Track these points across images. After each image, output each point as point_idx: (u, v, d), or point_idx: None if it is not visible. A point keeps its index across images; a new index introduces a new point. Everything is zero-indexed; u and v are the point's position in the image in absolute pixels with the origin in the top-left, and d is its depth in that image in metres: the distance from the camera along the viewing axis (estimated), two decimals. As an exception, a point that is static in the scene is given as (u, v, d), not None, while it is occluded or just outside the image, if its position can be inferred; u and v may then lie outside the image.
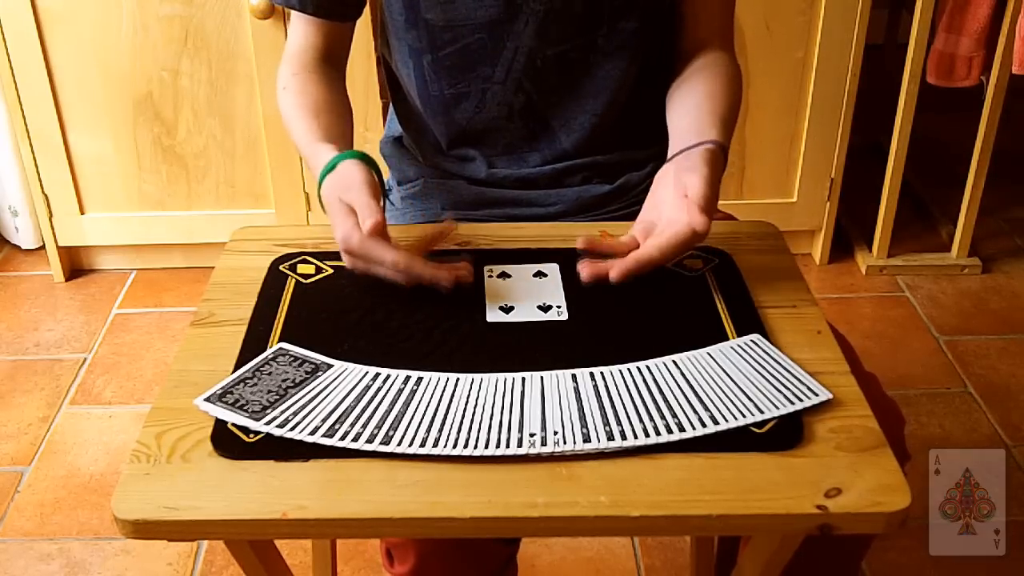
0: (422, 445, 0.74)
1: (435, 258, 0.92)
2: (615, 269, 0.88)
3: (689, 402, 0.79)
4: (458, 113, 1.12)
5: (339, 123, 1.07)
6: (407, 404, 0.78)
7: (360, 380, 0.81)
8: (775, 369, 0.82)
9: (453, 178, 1.17)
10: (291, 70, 1.11)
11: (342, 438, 0.75)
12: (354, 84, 1.98)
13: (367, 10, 1.17)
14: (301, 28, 1.12)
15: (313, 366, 0.83)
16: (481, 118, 1.12)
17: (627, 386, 0.80)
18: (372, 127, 2.02)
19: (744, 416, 0.77)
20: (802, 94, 2.07)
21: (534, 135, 1.14)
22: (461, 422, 0.76)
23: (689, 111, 1.05)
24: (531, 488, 0.72)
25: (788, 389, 0.80)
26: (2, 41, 1.97)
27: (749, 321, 0.89)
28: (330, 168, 0.94)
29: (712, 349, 0.85)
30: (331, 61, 1.13)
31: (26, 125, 2.06)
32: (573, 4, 1.06)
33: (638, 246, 0.90)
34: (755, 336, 0.87)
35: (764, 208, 2.16)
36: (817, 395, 0.80)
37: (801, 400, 0.79)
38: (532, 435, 0.75)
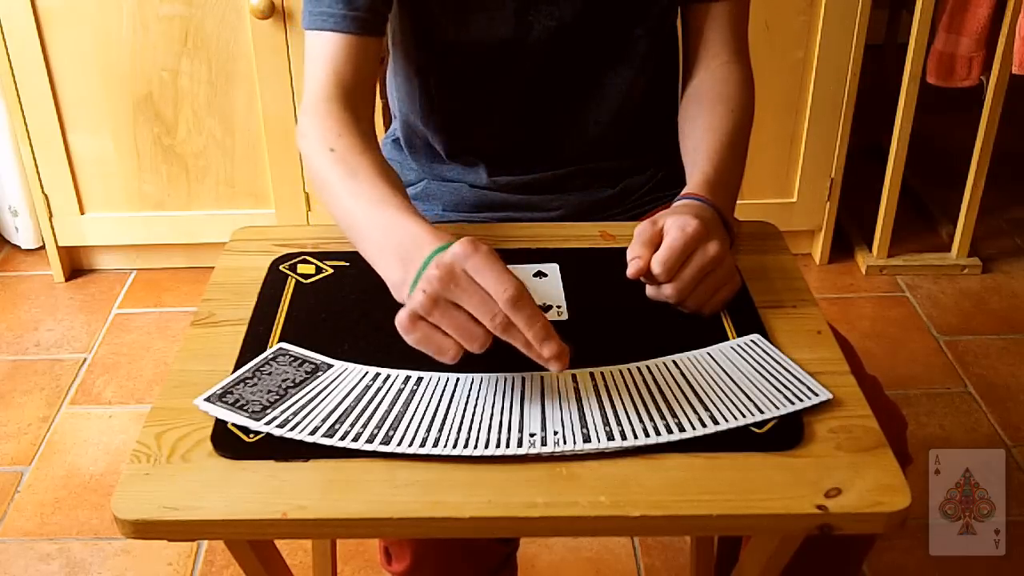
0: (422, 445, 0.74)
1: None
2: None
3: (689, 402, 0.79)
4: (462, 127, 1.12)
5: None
6: (407, 404, 0.78)
7: (360, 380, 0.81)
8: (775, 369, 0.82)
9: (455, 182, 1.17)
10: (333, 127, 0.95)
11: (342, 438, 0.75)
12: (354, 84, 1.98)
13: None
14: (333, 55, 0.99)
15: (313, 366, 0.83)
16: (485, 131, 1.12)
17: (627, 386, 0.80)
18: (372, 127, 2.02)
19: (744, 416, 0.77)
20: (802, 94, 2.07)
21: (537, 144, 1.14)
22: (461, 422, 0.76)
23: (689, 162, 1.03)
24: (531, 488, 0.72)
25: (788, 389, 0.80)
26: (2, 41, 1.97)
27: (749, 321, 0.89)
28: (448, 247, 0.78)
29: (712, 349, 0.85)
30: (365, 114, 1.01)
31: (26, 125, 2.06)
32: (584, 18, 1.06)
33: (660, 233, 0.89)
34: (755, 336, 0.87)
35: (764, 208, 2.16)
36: (817, 395, 0.80)
37: (801, 400, 0.79)
38: (532, 435, 0.75)
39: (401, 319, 0.76)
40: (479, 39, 1.05)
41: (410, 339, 0.77)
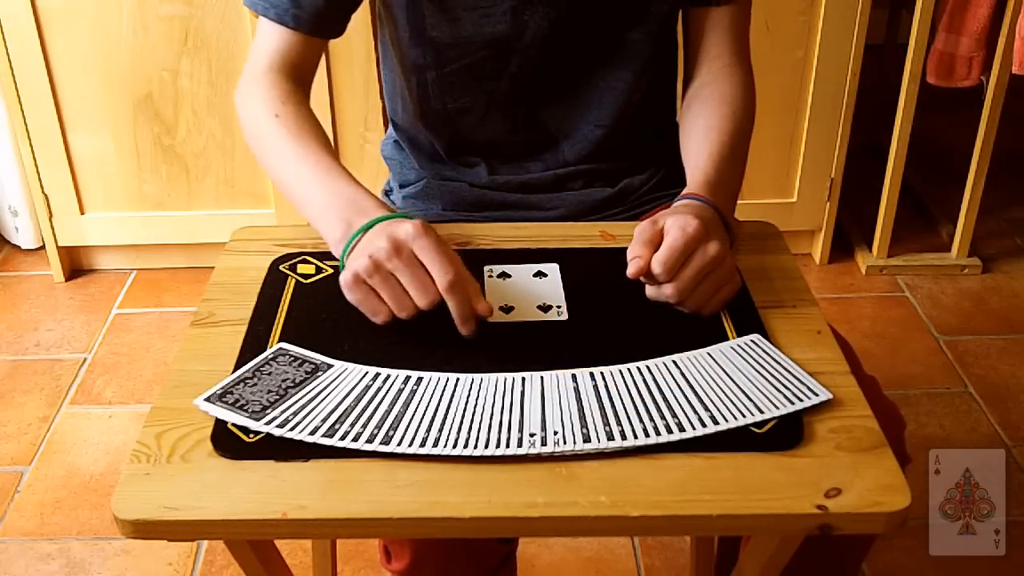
0: (422, 445, 0.74)
1: None
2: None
3: (689, 402, 0.79)
4: (461, 126, 1.12)
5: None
6: (407, 404, 0.78)
7: (360, 380, 0.81)
8: (775, 369, 0.82)
9: (454, 182, 1.17)
10: (277, 95, 1.01)
11: (342, 438, 0.75)
12: (354, 84, 1.98)
13: (367, 13, 1.17)
14: (278, 40, 1.04)
15: (313, 366, 0.83)
16: (484, 130, 1.12)
17: (627, 386, 0.80)
18: (372, 127, 2.02)
19: (744, 416, 0.77)
20: (802, 94, 2.07)
21: (537, 146, 1.14)
22: (461, 422, 0.76)
23: (690, 163, 1.04)
24: (531, 488, 0.72)
25: (788, 389, 0.80)
26: (2, 41, 1.97)
27: (749, 321, 0.89)
28: (388, 218, 0.88)
29: (712, 349, 0.85)
30: (305, 91, 1.06)
31: (26, 125, 2.06)
32: (579, 17, 1.06)
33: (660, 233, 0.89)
34: (755, 336, 0.87)
35: (764, 208, 2.16)
36: (817, 395, 0.80)
37: (801, 400, 0.79)
38: (532, 435, 0.75)
39: (345, 277, 0.85)
40: (472, 37, 1.05)
41: (350, 296, 0.85)
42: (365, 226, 0.87)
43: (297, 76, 1.05)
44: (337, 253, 0.90)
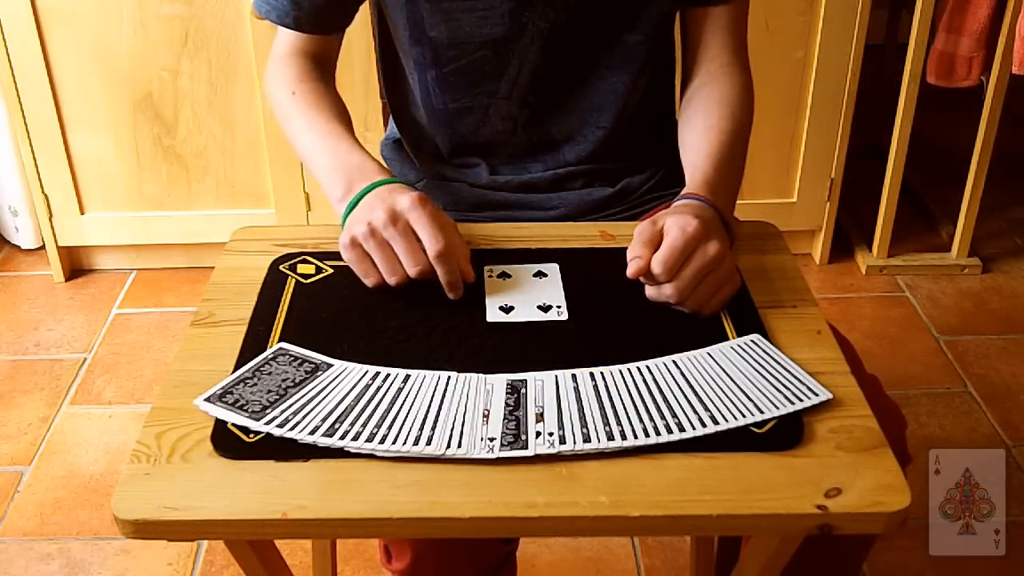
0: (417, 444, 0.74)
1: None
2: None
3: (689, 402, 0.79)
4: (462, 126, 1.13)
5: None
6: (406, 404, 0.78)
7: (360, 380, 0.81)
8: (775, 369, 0.82)
9: (455, 182, 1.17)
10: (296, 75, 1.08)
11: (342, 437, 0.75)
12: (354, 84, 1.98)
13: (367, 11, 1.17)
14: (290, 36, 1.10)
15: (313, 366, 0.83)
16: (485, 131, 1.13)
17: (627, 386, 0.80)
18: (372, 127, 2.02)
19: (744, 416, 0.77)
20: (802, 94, 2.07)
21: (537, 147, 1.14)
22: (461, 422, 0.76)
23: (689, 162, 1.04)
24: (531, 488, 0.72)
25: (788, 389, 0.80)
26: (2, 41, 1.97)
27: (749, 321, 0.89)
28: (388, 182, 0.94)
29: (712, 349, 0.85)
30: (327, 70, 1.12)
31: (26, 125, 2.06)
32: (578, 19, 1.06)
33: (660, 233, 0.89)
34: (755, 336, 0.87)
35: (764, 208, 2.16)
36: (817, 395, 0.80)
37: (801, 400, 0.79)
38: (532, 435, 0.75)
39: (343, 240, 0.91)
40: (470, 37, 1.06)
41: (345, 255, 0.91)
42: (366, 189, 0.93)
43: (316, 59, 1.11)
44: (338, 212, 0.95)
